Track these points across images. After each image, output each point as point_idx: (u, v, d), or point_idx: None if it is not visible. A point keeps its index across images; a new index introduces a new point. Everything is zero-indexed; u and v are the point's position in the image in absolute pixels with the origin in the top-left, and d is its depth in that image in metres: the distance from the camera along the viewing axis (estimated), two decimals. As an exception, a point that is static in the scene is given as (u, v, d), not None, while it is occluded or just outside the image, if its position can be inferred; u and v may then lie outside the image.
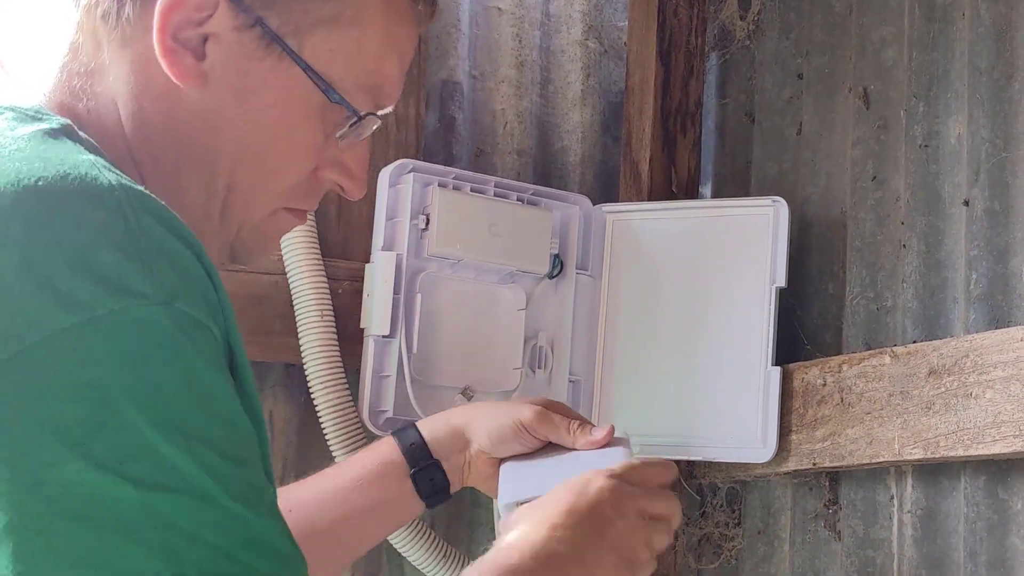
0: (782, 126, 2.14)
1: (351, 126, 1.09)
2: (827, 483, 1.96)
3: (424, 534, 1.95)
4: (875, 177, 1.96)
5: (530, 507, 1.24)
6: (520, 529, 1.20)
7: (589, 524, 1.21)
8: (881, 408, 1.81)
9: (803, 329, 2.03)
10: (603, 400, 2.04)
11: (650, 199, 2.13)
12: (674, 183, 2.17)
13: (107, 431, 0.83)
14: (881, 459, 1.81)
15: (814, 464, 1.90)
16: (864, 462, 1.84)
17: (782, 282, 1.96)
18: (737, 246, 2.00)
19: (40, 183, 0.89)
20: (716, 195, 2.22)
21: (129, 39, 1.04)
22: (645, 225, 2.07)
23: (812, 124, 2.08)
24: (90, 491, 0.83)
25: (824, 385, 1.89)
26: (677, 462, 2.00)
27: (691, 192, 2.18)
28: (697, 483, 2.14)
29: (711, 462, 2.05)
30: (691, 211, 2.07)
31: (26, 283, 0.85)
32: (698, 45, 2.20)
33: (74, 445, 0.83)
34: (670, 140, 2.17)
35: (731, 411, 1.96)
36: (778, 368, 1.94)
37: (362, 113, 1.09)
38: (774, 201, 1.98)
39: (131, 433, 0.84)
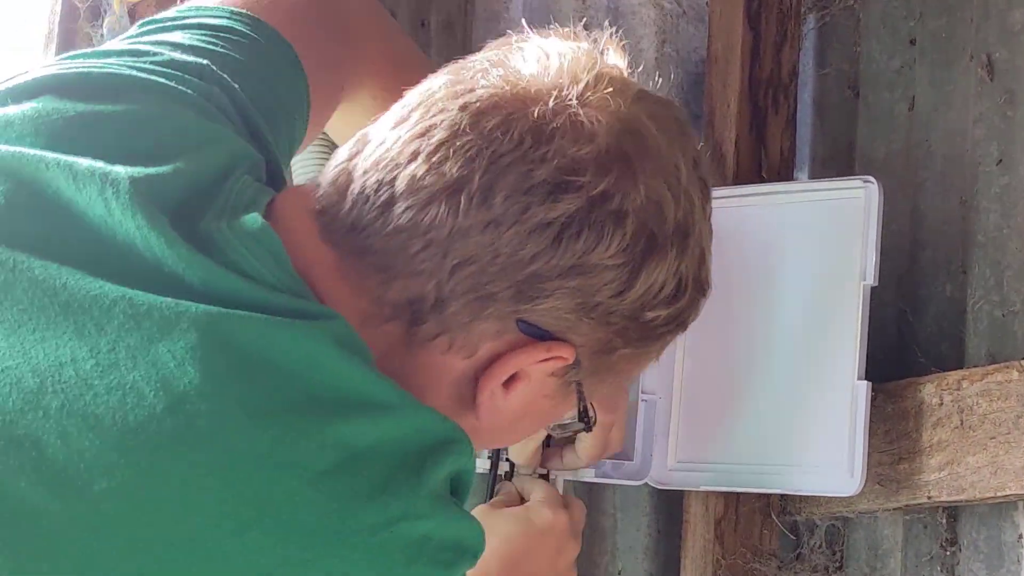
0: (891, 100, 2.06)
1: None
2: (944, 520, 1.89)
3: None
4: (1000, 160, 1.90)
5: None
6: None
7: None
8: (1008, 432, 1.74)
9: (916, 339, 1.95)
10: (683, 422, 1.91)
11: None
12: (764, 167, 2.06)
13: None
14: (1008, 492, 1.75)
15: (929, 498, 1.82)
16: (988, 495, 1.77)
17: (872, 279, 1.83)
18: (826, 237, 1.89)
19: None
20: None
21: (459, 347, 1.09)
22: (733, 214, 1.94)
23: (926, 98, 2.01)
24: None
25: (941, 404, 1.81)
26: (767, 495, 1.94)
27: (784, 177, 2.07)
28: (791, 520, 2.03)
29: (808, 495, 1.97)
30: (776, 196, 1.95)
31: None
32: (793, 5, 2.11)
33: None
34: (760, 117, 2.07)
35: (814, 434, 1.85)
36: (865, 383, 1.81)
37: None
38: (865, 182, 1.84)
39: None
